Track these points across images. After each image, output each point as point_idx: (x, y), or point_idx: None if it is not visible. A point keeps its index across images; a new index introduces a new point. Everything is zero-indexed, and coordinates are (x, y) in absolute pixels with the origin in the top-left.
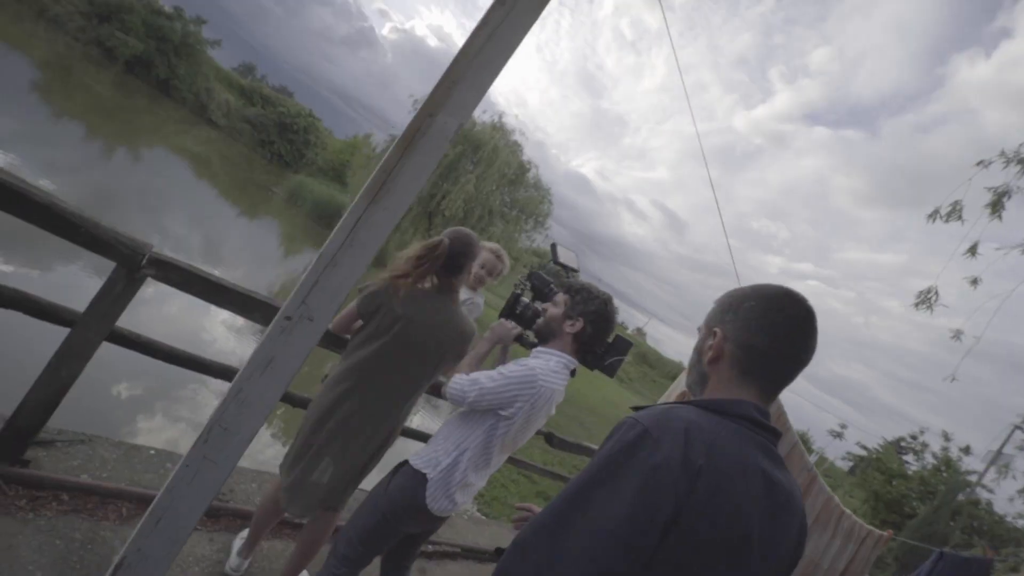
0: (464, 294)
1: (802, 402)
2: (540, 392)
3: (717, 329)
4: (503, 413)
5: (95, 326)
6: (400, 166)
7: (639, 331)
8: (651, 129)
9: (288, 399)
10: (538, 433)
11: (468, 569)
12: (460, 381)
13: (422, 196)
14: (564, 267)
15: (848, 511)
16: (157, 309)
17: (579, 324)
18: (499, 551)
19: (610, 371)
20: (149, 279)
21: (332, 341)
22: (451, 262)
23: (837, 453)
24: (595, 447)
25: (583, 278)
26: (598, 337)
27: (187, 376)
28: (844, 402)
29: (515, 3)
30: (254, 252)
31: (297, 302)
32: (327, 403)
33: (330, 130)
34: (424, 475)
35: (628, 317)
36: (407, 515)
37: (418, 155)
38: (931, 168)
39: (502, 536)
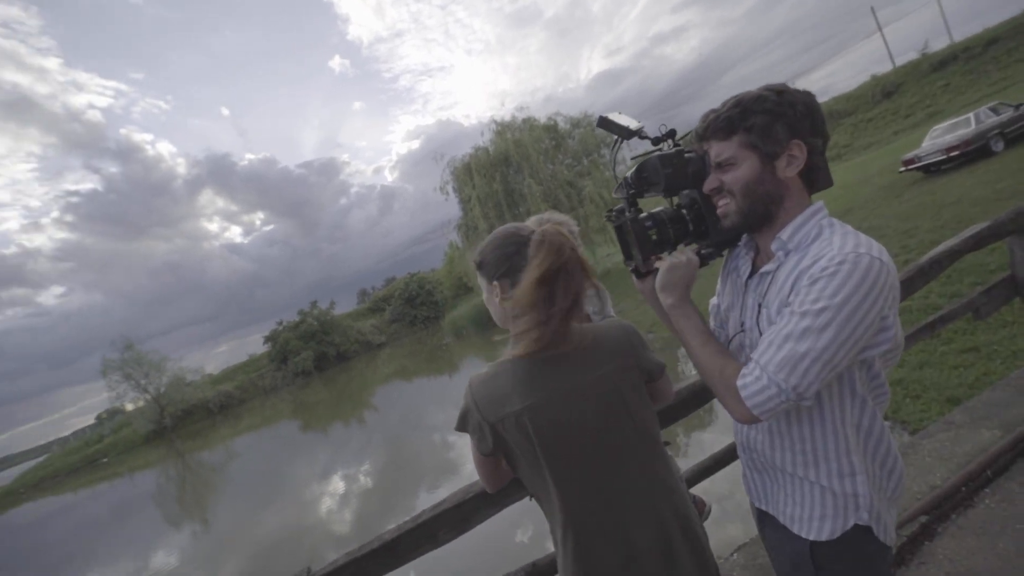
0: None
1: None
2: (892, 266)
3: None
4: (878, 349)
5: None
6: None
7: None
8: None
9: None
10: None
11: (960, 534)
12: (765, 381)
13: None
14: (638, 133)
15: None
16: None
17: (801, 150)
18: None
19: (829, 177)
20: None
21: (507, 495)
22: (503, 270)
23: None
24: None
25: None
26: (824, 143)
27: None
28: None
29: None
30: None
31: None
32: (575, 560)
33: (432, 268)
34: (865, 533)
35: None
36: None
37: None
38: None
39: (954, 446)
